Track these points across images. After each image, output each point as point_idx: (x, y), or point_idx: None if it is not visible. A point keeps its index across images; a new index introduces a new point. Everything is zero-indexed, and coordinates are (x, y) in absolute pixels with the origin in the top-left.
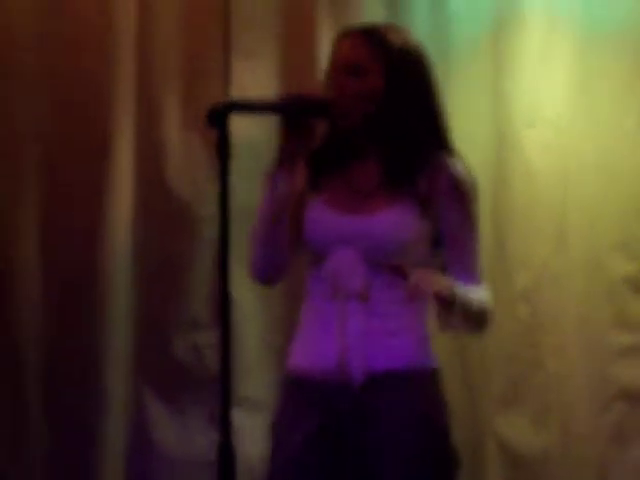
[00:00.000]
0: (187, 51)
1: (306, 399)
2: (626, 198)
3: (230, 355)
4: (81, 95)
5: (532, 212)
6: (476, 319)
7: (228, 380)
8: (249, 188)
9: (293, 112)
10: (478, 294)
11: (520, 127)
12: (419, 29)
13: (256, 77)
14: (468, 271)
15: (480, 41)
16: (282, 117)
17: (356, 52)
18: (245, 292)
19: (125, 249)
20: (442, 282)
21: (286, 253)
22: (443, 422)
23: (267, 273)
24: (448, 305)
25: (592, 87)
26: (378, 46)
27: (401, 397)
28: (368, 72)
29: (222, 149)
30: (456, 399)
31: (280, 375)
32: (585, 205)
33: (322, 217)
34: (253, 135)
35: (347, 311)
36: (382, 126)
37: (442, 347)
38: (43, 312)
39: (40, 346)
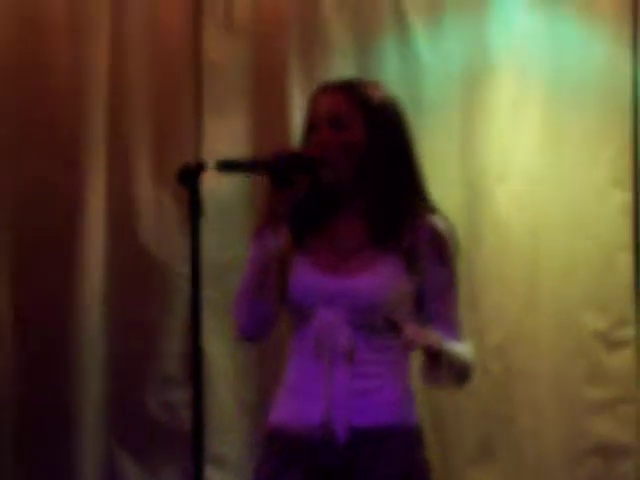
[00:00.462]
0: (158, 107)
1: (290, 455)
2: (596, 252)
3: (203, 413)
4: (52, 151)
5: (504, 267)
6: (460, 373)
7: (201, 438)
8: (220, 244)
9: (282, 169)
10: (462, 348)
11: (490, 179)
12: (389, 81)
13: (228, 133)
14: (450, 326)
15: (450, 93)
16: (270, 175)
17: (338, 105)
18: (218, 349)
19: (98, 307)
20: (433, 336)
21: (273, 310)
22: (425, 476)
23: (255, 330)
24: (436, 358)
25: (562, 140)
26: (358, 100)
27: (384, 454)
28: (350, 125)
29: (194, 208)
30: (429, 454)
31: (253, 433)
32: (556, 259)
33: (307, 277)
34: (223, 191)
35: (332, 371)
36: (365, 179)
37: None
38: (14, 370)
39: (11, 404)
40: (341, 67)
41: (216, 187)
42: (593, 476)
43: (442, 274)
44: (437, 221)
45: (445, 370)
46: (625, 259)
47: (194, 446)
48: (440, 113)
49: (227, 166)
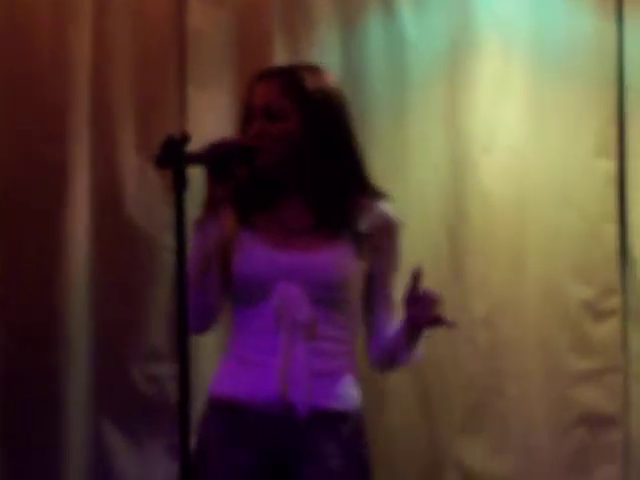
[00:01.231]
0: (143, 80)
1: (242, 427)
2: (581, 222)
3: (189, 385)
4: (36, 123)
5: (489, 238)
6: (413, 361)
7: (187, 411)
8: None
9: (218, 160)
10: None
11: (476, 151)
12: (375, 58)
13: (212, 103)
14: (393, 309)
15: (435, 68)
16: (207, 166)
17: (272, 96)
18: None
19: (82, 279)
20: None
21: (217, 299)
22: (370, 464)
23: (201, 322)
24: (418, 337)
25: (546, 112)
26: (293, 89)
27: (339, 437)
28: (284, 115)
29: (178, 180)
30: (416, 426)
31: None
32: (541, 230)
33: (260, 254)
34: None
35: (291, 345)
36: (301, 169)
37: (402, 374)
38: None
39: None
40: (325, 39)
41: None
42: (579, 446)
43: (391, 259)
44: (386, 207)
45: (412, 351)
46: (610, 229)
47: (180, 419)
48: (425, 87)
49: (163, 161)
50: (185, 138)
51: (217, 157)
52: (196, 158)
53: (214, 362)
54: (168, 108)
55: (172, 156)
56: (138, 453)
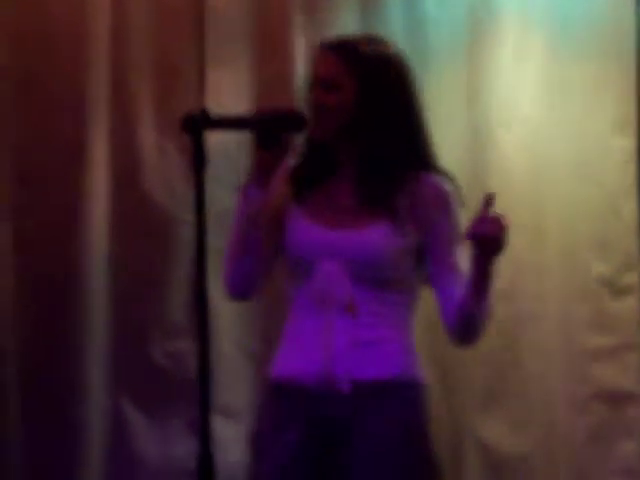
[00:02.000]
0: (162, 58)
1: (291, 407)
2: (601, 198)
3: (209, 362)
4: (56, 100)
5: (508, 213)
6: (487, 317)
7: (207, 388)
8: (225, 194)
9: (267, 127)
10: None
11: (495, 127)
12: (393, 34)
13: (231, 85)
14: (459, 275)
15: (454, 43)
16: (255, 132)
17: (328, 67)
18: (223, 298)
19: (102, 255)
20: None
21: (259, 268)
22: (427, 436)
23: (241, 287)
24: (484, 282)
25: (565, 87)
26: (350, 59)
27: (387, 408)
28: (340, 87)
29: (198, 157)
30: (434, 402)
31: (259, 382)
32: (560, 206)
33: (307, 231)
34: (229, 141)
35: (333, 322)
36: (355, 142)
37: (420, 350)
38: (17, 320)
39: (16, 356)
40: (346, 19)
41: (222, 138)
42: (598, 422)
43: (446, 230)
44: (439, 180)
45: (487, 299)
46: (629, 205)
47: (200, 395)
48: (445, 64)
49: (212, 123)
50: (205, 115)
51: (263, 122)
52: (244, 123)
53: (233, 337)
54: (187, 85)
55: (192, 132)
56: (158, 429)
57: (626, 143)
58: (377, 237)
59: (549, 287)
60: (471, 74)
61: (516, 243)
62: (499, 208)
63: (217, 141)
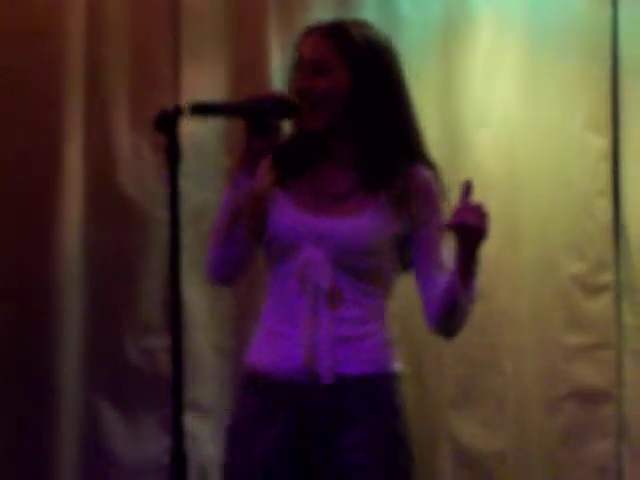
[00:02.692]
0: (137, 53)
1: (273, 398)
2: (576, 198)
3: (182, 359)
4: (30, 96)
5: None
6: (470, 307)
7: (180, 384)
8: (199, 190)
9: (259, 113)
10: None
11: (469, 128)
12: None
13: (206, 79)
14: (443, 267)
15: (429, 43)
16: (245, 119)
17: (320, 50)
18: (196, 295)
19: (76, 251)
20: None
21: (244, 252)
22: (404, 429)
23: (225, 272)
24: (470, 267)
25: (540, 87)
26: (342, 43)
27: (367, 402)
28: (333, 70)
29: (172, 153)
30: (410, 399)
31: (231, 378)
32: (535, 205)
33: (290, 216)
34: (202, 137)
35: (315, 310)
36: (351, 126)
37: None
38: None
39: None
40: (320, 14)
41: (193, 130)
42: (572, 421)
43: (434, 222)
44: (429, 174)
45: (470, 290)
46: (603, 204)
47: (173, 392)
48: (419, 63)
49: (201, 109)
50: (179, 111)
51: (254, 109)
52: (233, 109)
53: (207, 334)
54: (162, 81)
55: (166, 129)
56: (132, 428)
57: (600, 143)
58: (365, 225)
59: (524, 286)
60: (446, 74)
61: (491, 242)
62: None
63: (190, 137)
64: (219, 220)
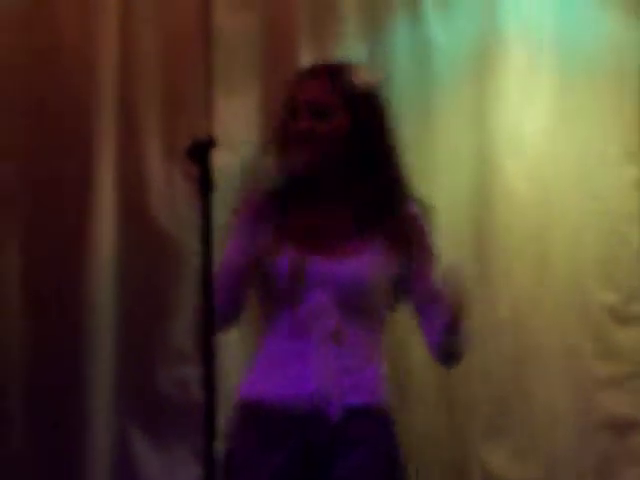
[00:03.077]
0: (169, 83)
1: (276, 431)
2: (608, 225)
3: (214, 388)
4: (63, 126)
5: (515, 240)
6: (464, 344)
7: (212, 414)
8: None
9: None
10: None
11: (502, 153)
12: (401, 60)
13: (238, 108)
14: (438, 299)
15: (462, 70)
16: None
17: (320, 92)
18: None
19: (109, 281)
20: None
21: (245, 297)
22: (401, 456)
23: (230, 316)
24: (459, 319)
25: (573, 114)
26: (342, 87)
27: (370, 431)
28: (333, 113)
29: (204, 183)
30: (442, 428)
31: None
32: (566, 231)
33: (294, 260)
34: (236, 168)
35: (319, 349)
36: (349, 167)
37: (426, 376)
38: (24, 345)
39: (21, 381)
40: (352, 42)
41: (227, 163)
42: (605, 451)
43: (427, 256)
44: (418, 208)
45: (461, 335)
46: (636, 232)
47: (205, 422)
48: (452, 89)
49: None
50: (211, 141)
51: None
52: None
53: (239, 363)
54: (194, 111)
55: (199, 159)
56: (164, 457)
57: (633, 171)
58: (366, 265)
59: (554, 315)
60: (478, 101)
61: (521, 271)
62: (506, 234)
63: (224, 168)
64: (221, 274)
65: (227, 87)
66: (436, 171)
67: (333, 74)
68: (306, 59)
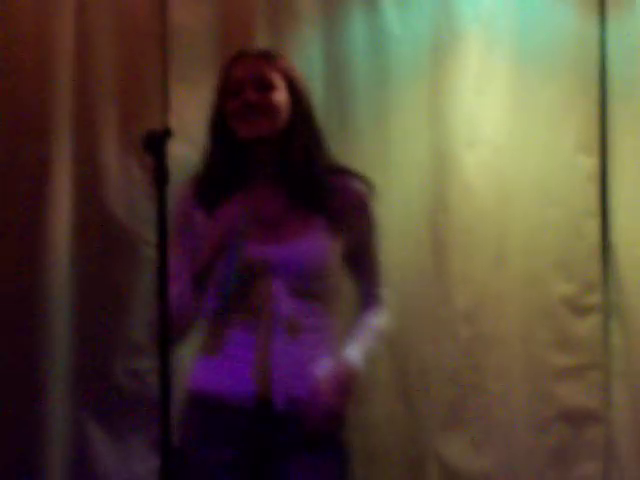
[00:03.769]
0: (125, 75)
1: (222, 422)
2: (564, 218)
3: (170, 380)
4: (19, 118)
5: (471, 234)
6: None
7: (168, 405)
8: None
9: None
10: (377, 327)
11: (458, 147)
12: (357, 53)
13: (195, 99)
14: (373, 277)
15: (418, 63)
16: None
17: (265, 69)
18: None
19: (64, 272)
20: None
21: (200, 301)
22: (349, 445)
23: (186, 333)
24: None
25: (529, 108)
26: (281, 66)
27: (320, 422)
28: (275, 87)
29: (159, 175)
30: (398, 420)
31: None
32: (523, 225)
33: (239, 250)
34: (191, 159)
35: (270, 340)
36: (287, 142)
37: (383, 367)
38: None
39: None
40: (308, 34)
41: (182, 154)
42: (560, 442)
43: (368, 232)
44: (357, 182)
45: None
46: (592, 225)
47: (161, 413)
48: (408, 82)
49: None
50: (167, 132)
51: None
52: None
53: (195, 355)
54: (150, 103)
55: (154, 150)
56: (119, 448)
57: (589, 163)
58: (316, 246)
59: (512, 307)
60: (434, 93)
61: (479, 264)
62: (463, 229)
63: (179, 159)
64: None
65: (183, 78)
66: (391, 165)
67: (272, 55)
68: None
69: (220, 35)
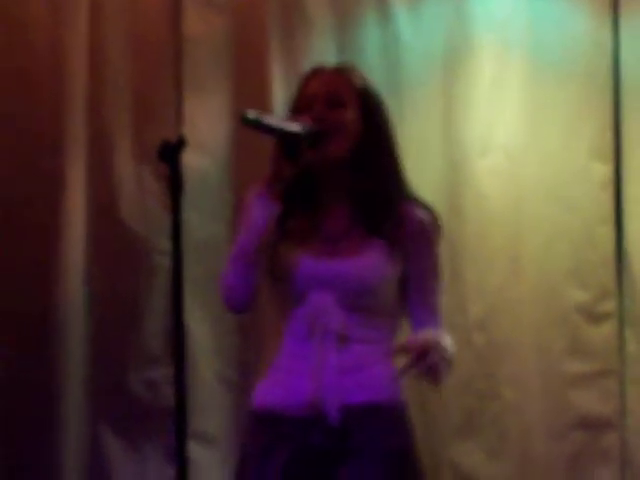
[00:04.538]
0: (139, 85)
1: (278, 434)
2: (578, 225)
3: (185, 390)
4: (34, 129)
5: (486, 240)
6: (448, 367)
7: (183, 415)
8: (202, 222)
9: (293, 137)
10: (448, 340)
11: (472, 156)
12: (370, 60)
13: (208, 109)
14: (431, 313)
15: (431, 70)
16: (283, 141)
17: (334, 84)
18: (199, 326)
19: (79, 283)
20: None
21: (259, 279)
22: (415, 455)
23: (247, 297)
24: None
25: (543, 115)
26: (354, 83)
27: (375, 430)
28: (348, 105)
29: (174, 184)
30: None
31: (235, 409)
32: (537, 233)
33: (298, 260)
34: (207, 170)
35: (323, 350)
36: (358, 161)
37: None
38: None
39: None
40: (321, 44)
41: (198, 164)
42: (576, 449)
43: (428, 263)
44: (422, 210)
45: (444, 366)
46: (606, 232)
47: (176, 423)
48: (421, 91)
49: (251, 122)
50: (181, 142)
51: (304, 134)
52: (283, 132)
53: (211, 365)
54: (164, 113)
55: (169, 160)
56: (135, 458)
57: (603, 170)
58: (371, 265)
59: (526, 315)
60: (448, 101)
61: (493, 271)
62: (477, 237)
63: (194, 169)
64: (246, 241)
65: (197, 87)
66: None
67: (343, 71)
68: (276, 58)
69: (233, 45)
